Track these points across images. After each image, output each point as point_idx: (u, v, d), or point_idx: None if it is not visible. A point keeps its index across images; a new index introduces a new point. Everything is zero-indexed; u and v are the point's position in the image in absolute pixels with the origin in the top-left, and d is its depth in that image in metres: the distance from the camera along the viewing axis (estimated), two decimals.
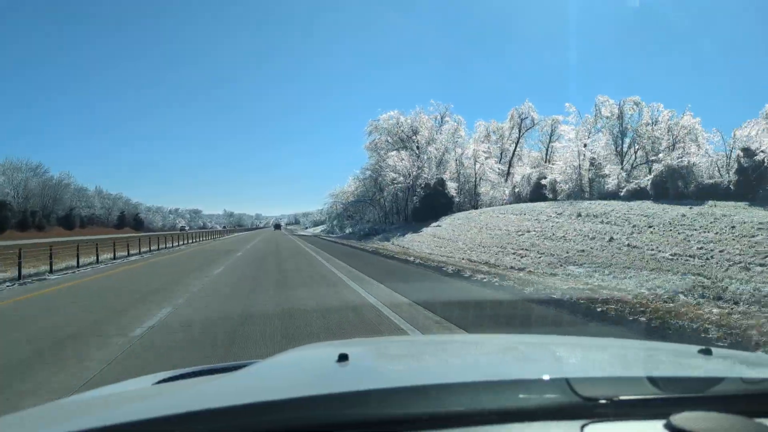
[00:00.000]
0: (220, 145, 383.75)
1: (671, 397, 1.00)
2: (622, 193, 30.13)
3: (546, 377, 1.06)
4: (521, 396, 0.99)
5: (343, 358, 1.26)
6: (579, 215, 23.52)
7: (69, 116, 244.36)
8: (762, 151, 25.09)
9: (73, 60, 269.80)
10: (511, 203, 38.11)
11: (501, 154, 48.61)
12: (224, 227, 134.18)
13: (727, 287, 8.99)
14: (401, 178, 43.34)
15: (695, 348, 1.40)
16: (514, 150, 48.52)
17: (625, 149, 36.86)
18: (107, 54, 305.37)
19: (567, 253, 16.20)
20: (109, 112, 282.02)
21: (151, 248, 27.88)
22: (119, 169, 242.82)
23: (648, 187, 28.77)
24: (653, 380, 1.03)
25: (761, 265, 11.58)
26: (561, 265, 14.18)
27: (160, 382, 1.52)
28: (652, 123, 35.61)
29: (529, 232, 22.02)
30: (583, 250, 16.28)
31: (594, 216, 22.56)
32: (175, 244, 34.98)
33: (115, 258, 20.86)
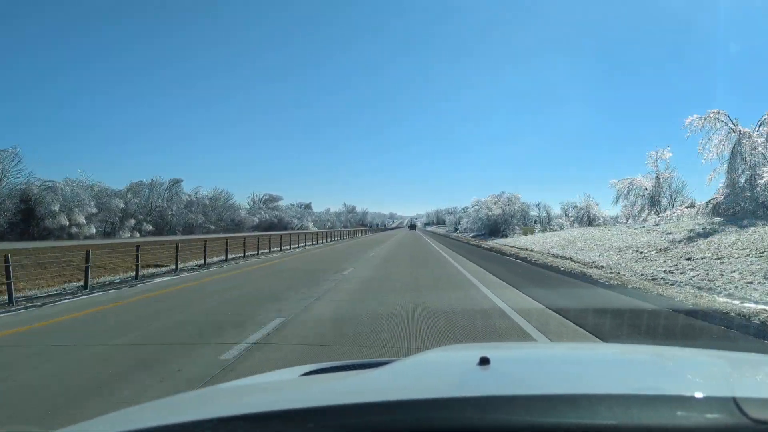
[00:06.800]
0: (347, 145, 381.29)
1: None
2: None
3: (708, 395, 0.97)
4: (679, 413, 0.91)
5: (484, 361, 1.27)
6: None
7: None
8: None
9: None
10: None
11: None
12: (298, 226, 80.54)
13: None
14: None
15: None
16: None
17: None
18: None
19: None
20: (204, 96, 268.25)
21: None
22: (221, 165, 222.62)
23: None
24: None
25: None
26: None
27: (305, 374, 1.63)
28: None
29: None
30: None
31: None
32: None
33: None
